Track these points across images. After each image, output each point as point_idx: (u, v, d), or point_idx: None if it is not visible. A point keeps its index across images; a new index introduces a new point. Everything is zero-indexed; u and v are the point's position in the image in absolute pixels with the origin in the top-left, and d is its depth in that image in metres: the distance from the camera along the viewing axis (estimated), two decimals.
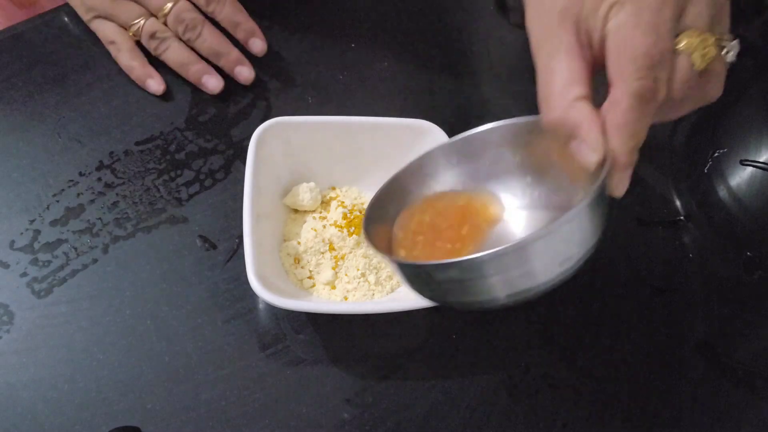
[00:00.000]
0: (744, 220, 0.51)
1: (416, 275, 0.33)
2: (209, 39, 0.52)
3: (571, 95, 0.31)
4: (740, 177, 0.53)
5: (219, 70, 0.53)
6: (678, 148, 0.55)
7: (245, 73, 0.53)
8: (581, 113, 0.31)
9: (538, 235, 0.29)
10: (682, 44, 0.30)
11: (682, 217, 0.51)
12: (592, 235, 0.31)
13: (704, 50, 0.30)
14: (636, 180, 0.53)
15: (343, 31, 0.58)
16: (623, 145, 0.30)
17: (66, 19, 0.54)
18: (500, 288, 0.30)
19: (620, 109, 0.30)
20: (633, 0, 0.30)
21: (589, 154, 0.30)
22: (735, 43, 0.32)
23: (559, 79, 0.31)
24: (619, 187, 0.31)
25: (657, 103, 0.30)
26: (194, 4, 0.52)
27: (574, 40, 0.32)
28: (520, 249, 0.29)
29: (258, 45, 0.54)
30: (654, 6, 0.30)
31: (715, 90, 0.32)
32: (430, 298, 0.34)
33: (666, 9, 0.30)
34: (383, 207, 0.37)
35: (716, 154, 0.54)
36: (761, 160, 0.53)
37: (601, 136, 0.30)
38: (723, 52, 0.32)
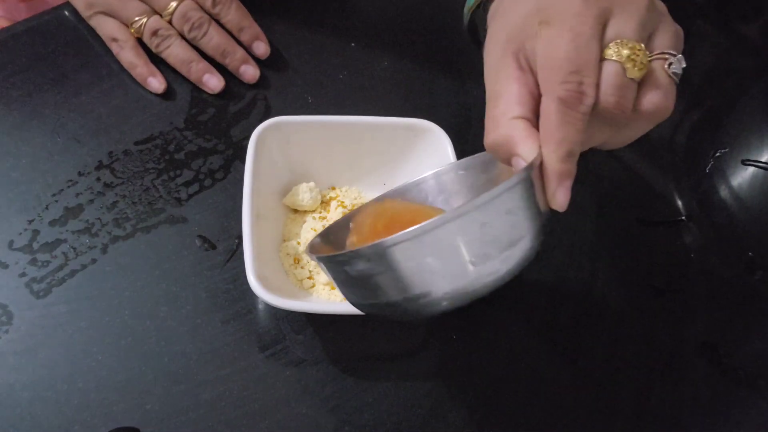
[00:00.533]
0: (745, 220, 0.51)
1: (335, 272, 0.32)
2: (216, 38, 0.52)
3: (509, 116, 0.32)
4: (742, 177, 0.53)
5: (219, 70, 0.53)
6: (679, 148, 0.55)
7: (251, 71, 0.53)
8: (515, 129, 0.31)
9: (434, 224, 0.28)
10: (609, 52, 0.31)
11: (683, 217, 0.51)
12: (508, 235, 0.30)
13: (635, 58, 0.31)
14: (636, 180, 0.53)
15: (343, 31, 0.58)
16: (553, 152, 0.31)
17: (66, 18, 0.54)
18: (412, 285, 0.29)
19: (548, 116, 0.31)
20: (557, 17, 0.31)
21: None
22: (679, 57, 0.32)
23: (500, 104, 0.33)
24: (556, 198, 0.31)
25: (586, 108, 0.31)
26: (199, 5, 0.52)
27: (515, 66, 0.33)
28: (421, 235, 0.28)
29: (261, 48, 0.54)
30: (575, 19, 0.31)
31: (662, 103, 0.32)
32: (357, 303, 0.33)
33: (587, 20, 0.31)
34: (340, 234, 0.38)
35: (718, 154, 0.54)
36: (763, 159, 0.53)
37: (535, 148, 0.31)
38: (666, 65, 0.32)
